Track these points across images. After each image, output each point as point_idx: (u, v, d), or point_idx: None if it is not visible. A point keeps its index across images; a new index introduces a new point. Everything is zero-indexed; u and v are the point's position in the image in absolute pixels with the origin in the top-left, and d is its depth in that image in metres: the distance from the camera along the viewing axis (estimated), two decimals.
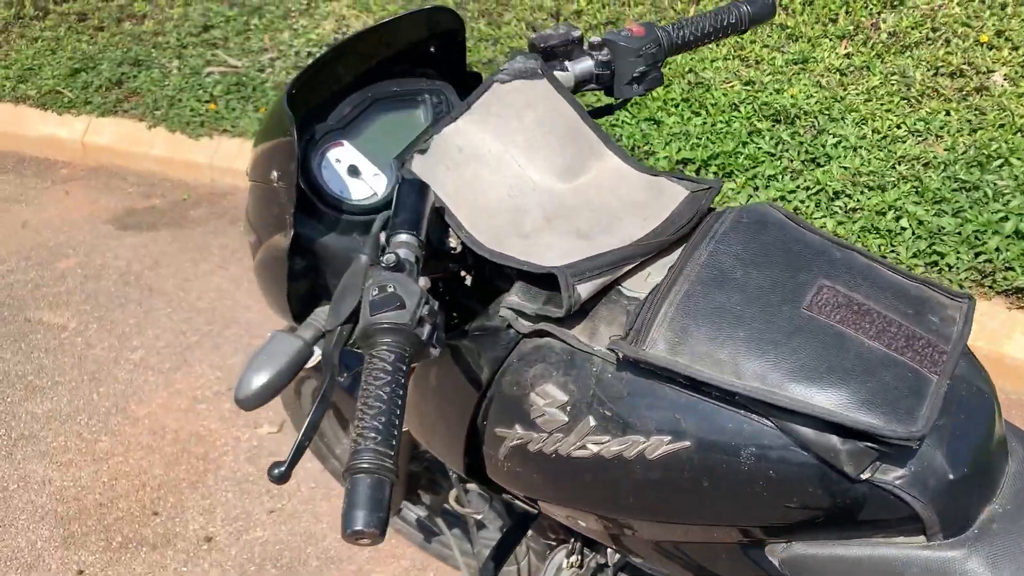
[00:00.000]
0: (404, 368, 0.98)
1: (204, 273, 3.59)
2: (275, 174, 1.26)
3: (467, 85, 1.55)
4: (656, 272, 1.14)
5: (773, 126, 3.55)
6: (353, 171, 1.35)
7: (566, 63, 1.35)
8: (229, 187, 4.12)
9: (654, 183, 1.26)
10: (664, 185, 1.25)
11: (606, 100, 1.48)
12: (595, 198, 1.26)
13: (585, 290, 1.09)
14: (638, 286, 1.13)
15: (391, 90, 1.45)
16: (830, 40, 3.92)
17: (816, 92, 3.64)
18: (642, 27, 1.36)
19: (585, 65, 1.36)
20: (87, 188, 4.28)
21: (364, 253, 1.16)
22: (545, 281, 1.14)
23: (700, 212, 1.18)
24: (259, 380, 1.27)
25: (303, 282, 1.37)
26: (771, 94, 3.67)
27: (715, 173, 3.41)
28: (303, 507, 2.53)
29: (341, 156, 1.36)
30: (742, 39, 4.00)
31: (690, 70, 3.86)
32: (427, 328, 1.02)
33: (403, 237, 1.10)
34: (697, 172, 3.43)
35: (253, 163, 1.37)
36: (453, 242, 1.25)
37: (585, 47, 1.38)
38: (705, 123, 3.61)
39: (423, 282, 1.07)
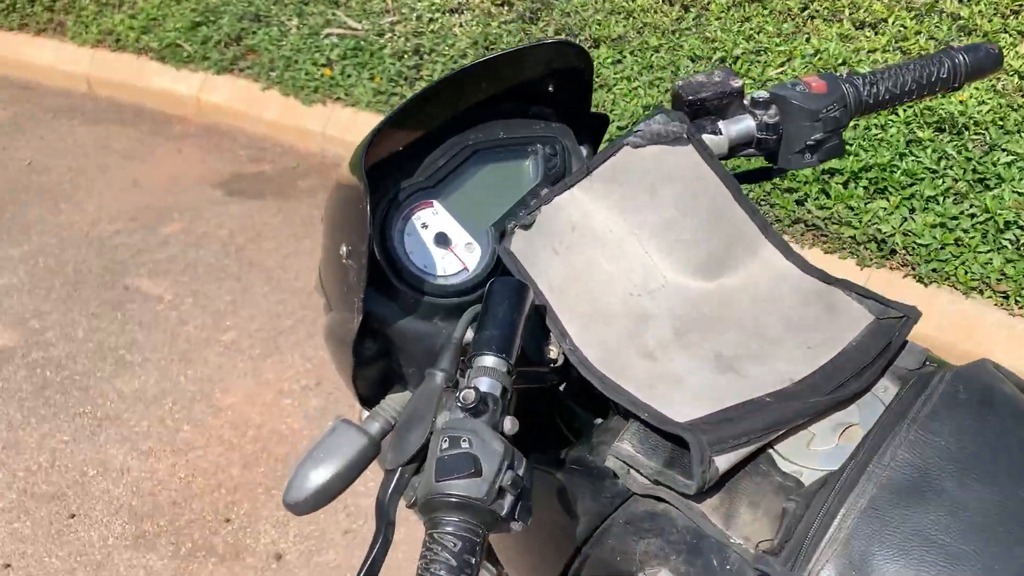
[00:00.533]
0: (474, 560, 0.75)
1: (306, 251, 3.45)
2: (344, 249, 1.02)
3: (590, 130, 1.27)
4: (823, 436, 0.85)
5: (936, 136, 3.08)
6: (442, 240, 1.11)
7: (719, 123, 1.05)
8: (339, 158, 3.95)
9: (825, 294, 0.96)
10: (838, 300, 0.95)
11: (758, 161, 1.18)
12: (745, 308, 0.97)
13: (725, 462, 0.81)
14: (797, 453, 0.84)
15: (496, 136, 1.19)
16: (1011, 36, 3.39)
17: (990, 99, 3.13)
18: (823, 81, 1.05)
19: (744, 127, 1.06)
20: (199, 147, 4.20)
21: (440, 370, 0.92)
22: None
23: (889, 353, 0.88)
24: (315, 480, 1.07)
25: (374, 365, 1.14)
26: (936, 98, 3.20)
27: (865, 187, 3.01)
28: None
29: (429, 220, 1.12)
30: (905, 26, 3.51)
31: (843, 62, 3.43)
32: (508, 500, 0.78)
33: (489, 361, 0.86)
34: (845, 185, 3.04)
35: (325, 223, 1.14)
36: (554, 352, 1.00)
37: (746, 102, 1.07)
38: (856, 127, 3.19)
39: (509, 425, 0.83)
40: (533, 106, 1.25)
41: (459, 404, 0.81)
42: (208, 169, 4.03)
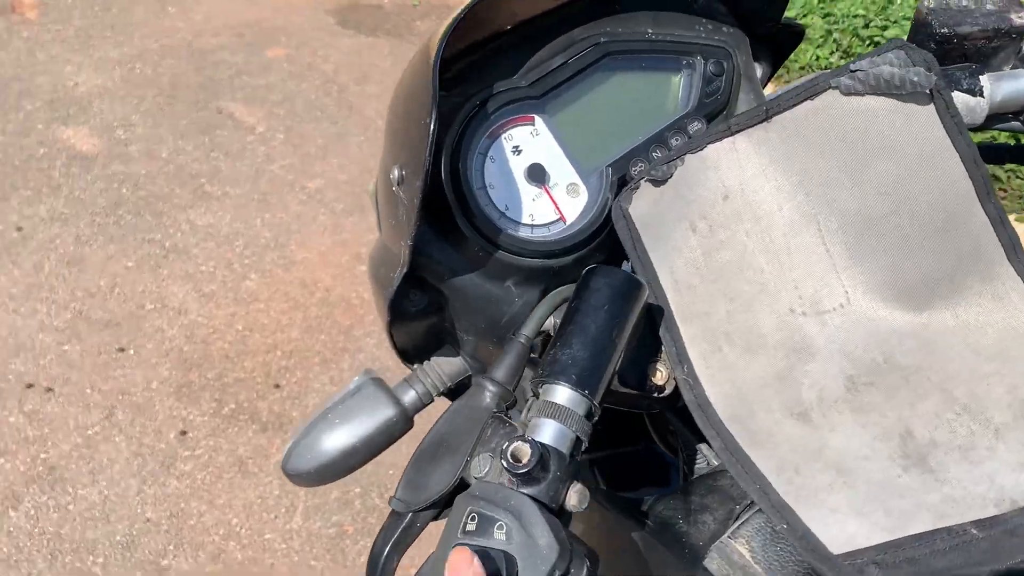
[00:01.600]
0: None
1: None
2: (396, 172, 0.73)
3: (774, 44, 0.92)
4: None
5: None
6: (536, 174, 0.80)
7: (981, 78, 0.69)
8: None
9: None
10: None
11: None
12: (959, 365, 0.64)
13: None
14: None
15: (639, 33, 0.85)
16: None
17: None
18: None
19: (1018, 87, 0.70)
20: None
21: (492, 383, 0.64)
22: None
23: None
24: (326, 448, 0.84)
25: (422, 320, 0.86)
26: None
27: None
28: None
29: (524, 143, 0.81)
30: None
31: None
32: None
33: (562, 397, 0.58)
34: None
35: (387, 120, 0.84)
36: (661, 375, 0.70)
37: None
38: None
39: (575, 500, 0.55)
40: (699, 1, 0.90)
41: (504, 462, 0.53)
42: None
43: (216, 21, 3.50)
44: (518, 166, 0.80)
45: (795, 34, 0.92)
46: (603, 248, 0.83)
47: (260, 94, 3.16)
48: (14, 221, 2.58)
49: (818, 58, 2.95)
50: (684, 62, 0.85)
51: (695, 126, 0.83)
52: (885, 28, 2.93)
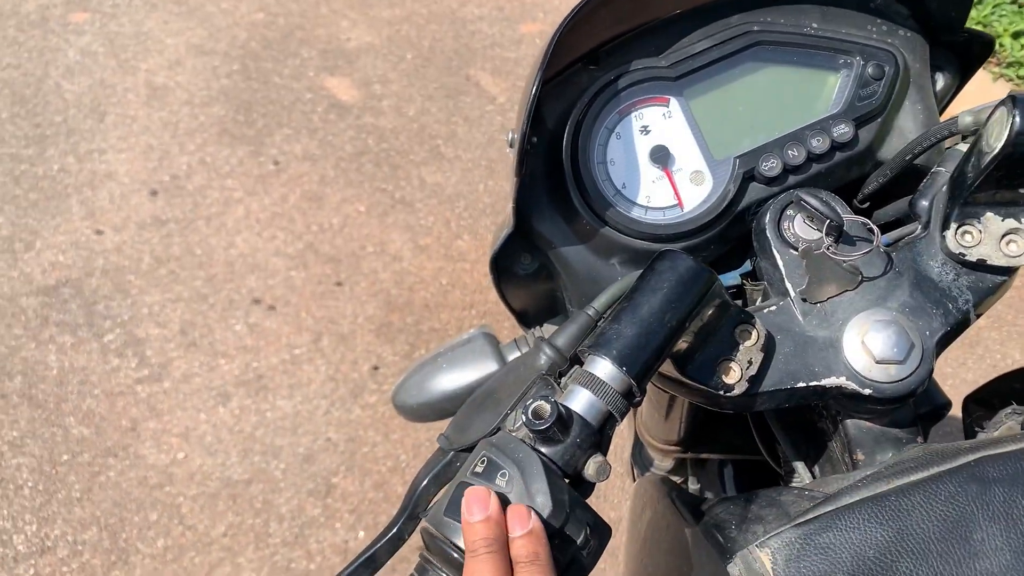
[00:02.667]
0: None
1: None
2: (510, 135, 0.76)
3: (960, 53, 0.85)
4: None
5: None
6: (660, 155, 0.80)
7: None
8: None
9: None
10: None
11: None
12: None
13: None
14: None
15: (800, 27, 0.82)
16: None
17: None
18: None
19: None
20: None
21: (550, 347, 0.66)
22: None
23: None
24: (430, 388, 0.90)
25: (535, 284, 0.89)
26: None
27: None
28: None
29: (655, 124, 0.81)
30: None
31: None
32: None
33: (602, 370, 0.59)
34: None
35: None
36: (732, 376, 0.68)
37: None
38: None
39: (593, 469, 0.59)
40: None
41: (525, 417, 0.55)
42: None
43: None
44: (644, 146, 0.80)
45: (984, 44, 0.83)
46: (719, 241, 0.81)
47: (508, 67, 3.29)
48: (273, 155, 2.87)
49: None
50: (841, 61, 0.80)
51: (840, 129, 0.78)
52: None
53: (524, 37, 3.42)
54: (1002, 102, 0.64)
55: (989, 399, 1.03)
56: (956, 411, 0.90)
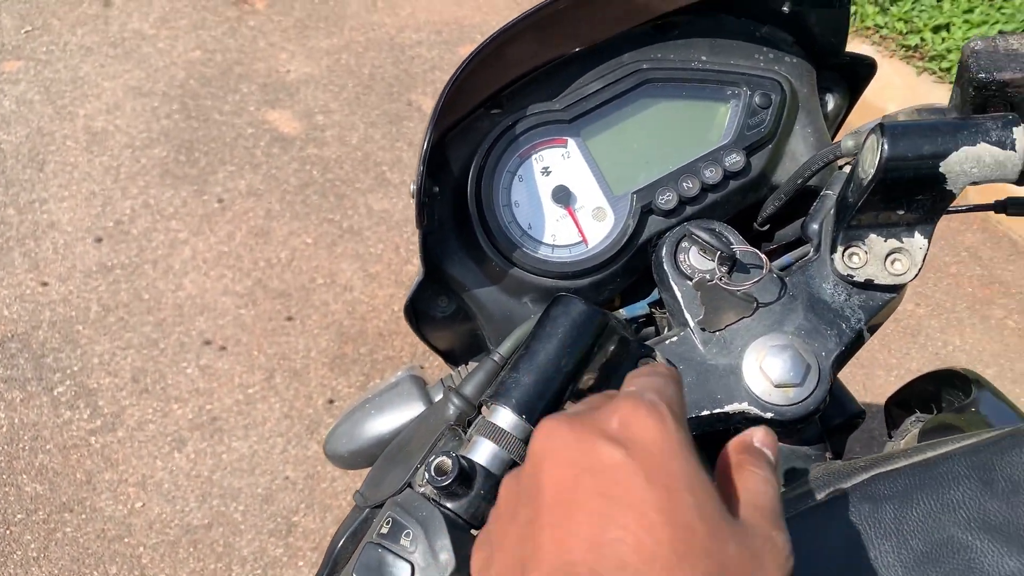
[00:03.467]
0: None
1: None
2: (412, 185, 0.78)
3: (849, 76, 0.88)
4: None
5: None
6: (562, 195, 0.82)
7: (1015, 130, 0.63)
8: None
9: None
10: None
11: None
12: None
13: None
14: None
15: (688, 62, 0.84)
16: None
17: None
18: None
19: None
20: None
21: (457, 397, 0.67)
22: None
23: None
24: (360, 435, 0.91)
25: (455, 326, 0.91)
26: None
27: None
28: None
29: (555, 165, 0.83)
30: None
31: None
32: None
33: (504, 420, 0.61)
34: None
35: None
36: None
37: None
38: None
39: None
40: (764, 25, 0.87)
41: (427, 475, 0.57)
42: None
43: (419, 17, 3.69)
44: (546, 187, 0.82)
45: (868, 66, 0.87)
46: (624, 274, 0.83)
47: None
48: (217, 193, 2.86)
49: None
50: (729, 92, 0.83)
51: (732, 158, 0.81)
52: None
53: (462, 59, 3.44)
54: (872, 129, 0.67)
55: (908, 401, 1.06)
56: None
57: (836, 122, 0.94)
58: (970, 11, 2.91)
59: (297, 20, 3.66)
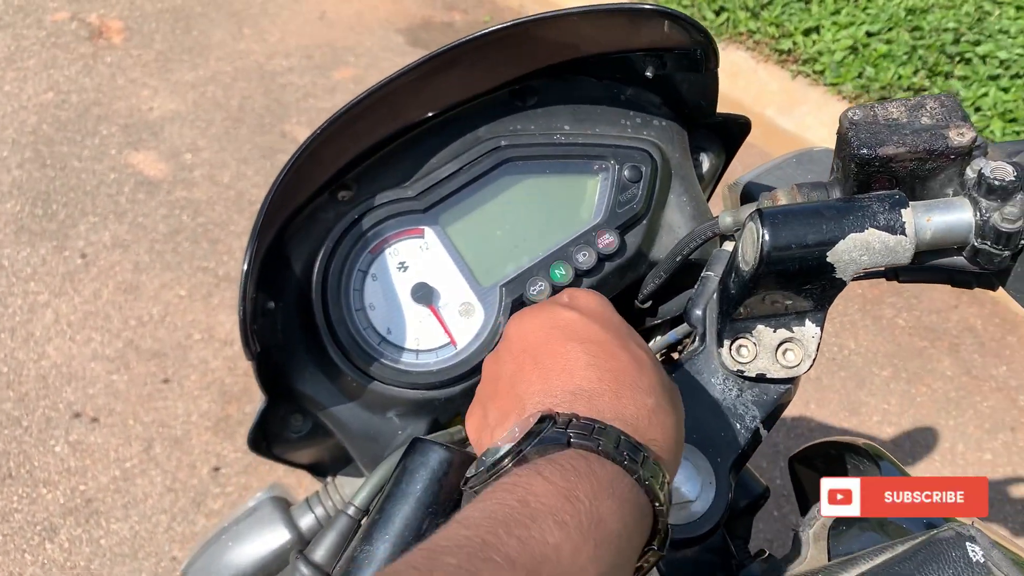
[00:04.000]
0: None
1: None
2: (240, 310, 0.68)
3: (723, 135, 0.82)
4: None
5: None
6: (423, 293, 0.73)
7: (903, 211, 0.58)
8: None
9: None
10: None
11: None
12: None
13: None
14: None
15: (551, 135, 0.76)
16: None
17: None
18: None
19: (956, 220, 0.59)
20: None
21: (306, 564, 0.58)
22: None
23: None
24: (221, 571, 0.79)
25: (316, 443, 0.80)
26: None
27: None
28: None
29: (412, 259, 0.74)
30: None
31: None
32: None
33: None
34: None
35: None
36: None
37: (970, 173, 0.59)
38: None
39: None
40: (629, 87, 0.80)
41: None
42: (398, 10, 3.71)
43: (289, 42, 3.54)
44: (404, 284, 0.73)
45: (742, 125, 0.81)
46: None
47: (324, 116, 3.17)
48: (80, 247, 2.66)
49: (900, 77, 2.73)
50: (597, 166, 0.76)
51: (605, 239, 0.74)
52: (978, 43, 2.68)
53: (338, 84, 3.32)
54: (750, 216, 0.60)
55: (811, 460, 1.02)
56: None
57: (712, 181, 0.88)
58: (837, 12, 2.95)
59: (158, 53, 3.46)
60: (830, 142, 0.67)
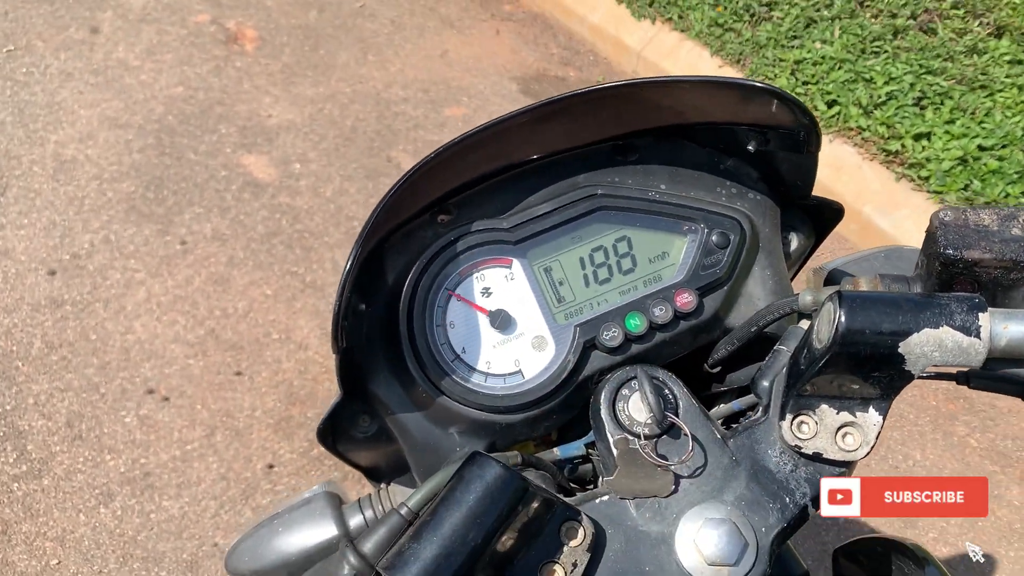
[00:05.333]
0: None
1: None
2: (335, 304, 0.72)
3: (815, 217, 0.84)
4: None
5: None
6: (502, 321, 0.76)
7: (981, 315, 0.59)
8: None
9: None
10: None
11: None
12: None
13: None
14: None
15: (646, 191, 0.80)
16: None
17: None
18: None
19: None
20: (518, 34, 3.99)
21: (354, 556, 0.61)
22: None
23: None
24: (267, 553, 0.83)
25: (380, 446, 0.84)
26: None
27: None
28: None
29: (497, 286, 0.78)
30: None
31: None
32: None
33: None
34: None
35: None
36: None
37: None
38: None
39: None
40: (730, 158, 0.83)
41: None
42: (516, 59, 3.82)
43: (407, 75, 3.68)
44: (485, 308, 0.77)
45: (834, 211, 0.83)
46: (562, 410, 0.77)
47: (430, 149, 3.27)
48: (181, 235, 2.79)
49: (1008, 195, 2.69)
50: (686, 227, 0.79)
51: (684, 298, 0.76)
52: None
53: (448, 120, 3.43)
54: (830, 296, 0.62)
55: (856, 555, 1.01)
56: None
57: (799, 261, 0.90)
58: (951, 122, 2.93)
59: (285, 65, 3.64)
60: None
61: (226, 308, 2.58)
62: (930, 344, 0.59)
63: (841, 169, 2.97)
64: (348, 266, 0.67)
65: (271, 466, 2.19)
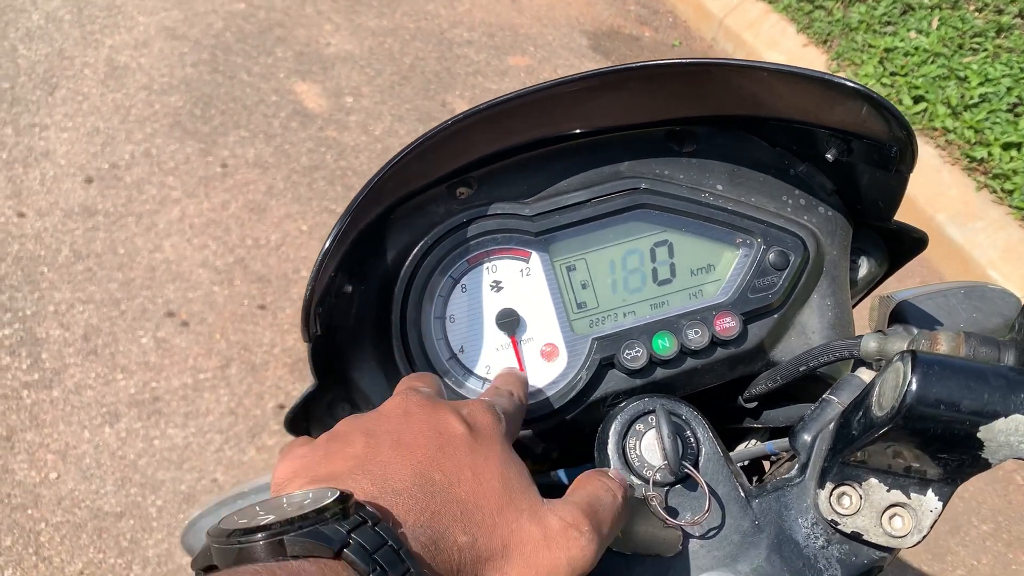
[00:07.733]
0: None
1: None
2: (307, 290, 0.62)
3: (896, 245, 0.72)
4: None
5: None
6: (509, 321, 0.66)
7: None
8: (725, 56, 3.38)
9: None
10: None
11: None
12: None
13: None
14: None
15: (701, 191, 0.68)
16: None
17: None
18: None
19: None
20: None
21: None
22: None
23: None
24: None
25: None
26: None
27: None
28: None
29: (509, 280, 0.67)
30: None
31: None
32: None
33: None
34: None
35: None
36: None
37: None
38: None
39: None
40: (803, 163, 0.71)
41: None
42: (590, 12, 3.65)
43: (476, 16, 3.54)
44: (492, 305, 0.66)
45: (916, 240, 0.70)
46: (567, 430, 0.67)
47: (487, 97, 3.15)
48: (223, 157, 2.72)
49: None
50: (740, 239, 0.67)
51: (725, 322, 0.65)
52: None
53: (510, 69, 3.29)
54: (901, 355, 0.51)
55: None
56: None
57: (865, 289, 0.78)
58: None
59: None
60: (1000, 267, 0.57)
61: (258, 238, 2.51)
62: (1018, 433, 0.48)
63: (918, 170, 2.78)
64: (328, 243, 0.57)
65: (282, 406, 2.13)
